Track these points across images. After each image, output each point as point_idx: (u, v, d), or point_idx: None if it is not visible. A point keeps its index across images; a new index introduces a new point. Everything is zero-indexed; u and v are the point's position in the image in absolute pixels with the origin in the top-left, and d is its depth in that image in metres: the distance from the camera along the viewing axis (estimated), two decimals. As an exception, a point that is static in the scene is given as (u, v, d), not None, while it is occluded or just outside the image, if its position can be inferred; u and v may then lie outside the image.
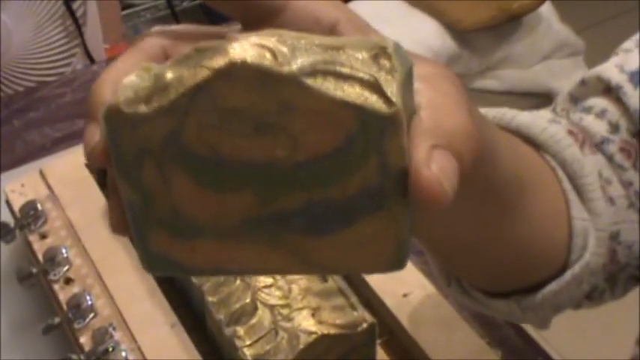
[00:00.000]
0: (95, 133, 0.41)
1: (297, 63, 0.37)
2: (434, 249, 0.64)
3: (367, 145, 0.38)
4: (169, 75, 0.38)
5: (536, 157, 0.66)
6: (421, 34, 2.36)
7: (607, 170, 0.68)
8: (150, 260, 0.42)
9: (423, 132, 0.39)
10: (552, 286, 0.65)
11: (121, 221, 0.42)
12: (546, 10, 2.51)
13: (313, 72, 0.37)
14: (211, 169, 0.39)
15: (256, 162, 0.39)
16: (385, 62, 0.39)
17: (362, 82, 0.38)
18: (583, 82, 0.73)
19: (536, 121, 0.67)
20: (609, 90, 0.70)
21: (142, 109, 0.38)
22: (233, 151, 0.38)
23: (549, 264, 0.66)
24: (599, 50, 2.83)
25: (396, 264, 0.41)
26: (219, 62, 0.37)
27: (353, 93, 0.37)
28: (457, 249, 0.63)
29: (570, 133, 0.68)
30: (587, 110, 0.70)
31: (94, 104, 0.42)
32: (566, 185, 0.65)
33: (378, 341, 0.90)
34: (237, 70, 0.37)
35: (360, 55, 0.39)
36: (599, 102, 0.70)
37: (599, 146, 0.68)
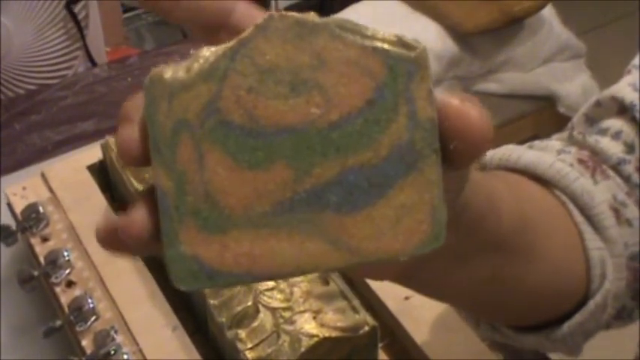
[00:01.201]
0: (131, 130, 0.41)
1: (329, 20, 0.40)
2: (452, 303, 0.66)
3: (396, 93, 0.40)
4: (207, 51, 0.40)
5: (546, 194, 0.67)
6: (423, 37, 2.36)
7: (621, 193, 0.69)
8: (180, 268, 0.41)
9: None
10: (577, 318, 0.66)
11: (152, 224, 0.41)
12: (548, 13, 2.51)
13: (343, 29, 0.40)
14: (247, 139, 0.40)
15: (292, 126, 0.40)
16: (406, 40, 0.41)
17: (385, 39, 0.41)
18: (598, 103, 0.73)
19: (543, 157, 0.67)
20: (624, 109, 0.71)
21: (182, 75, 0.40)
22: (269, 115, 0.40)
23: (570, 297, 0.67)
24: (600, 53, 2.84)
25: (433, 238, 0.42)
26: (257, 21, 0.40)
27: (379, 43, 0.40)
28: (475, 301, 0.64)
29: (580, 161, 0.69)
30: (603, 132, 0.71)
31: (130, 107, 0.42)
32: (578, 218, 0.66)
33: (380, 344, 0.90)
34: (275, 21, 0.40)
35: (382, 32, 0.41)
36: (614, 123, 0.71)
37: (615, 167, 0.69)
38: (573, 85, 2.53)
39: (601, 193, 0.67)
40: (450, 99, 0.41)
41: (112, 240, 0.43)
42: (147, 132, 0.40)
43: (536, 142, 0.72)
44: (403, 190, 0.41)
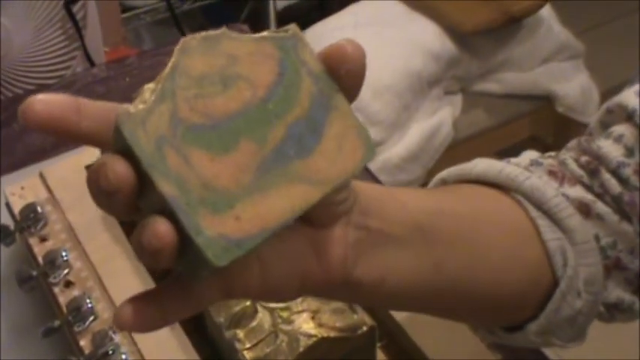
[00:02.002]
0: (120, 163, 0.46)
1: (222, 30, 0.51)
2: (407, 304, 0.71)
3: (292, 62, 0.52)
4: (149, 85, 0.48)
5: (499, 197, 0.72)
6: (421, 37, 2.36)
7: (589, 195, 0.73)
8: (214, 249, 0.47)
9: None
10: (549, 307, 0.70)
11: (169, 228, 0.46)
12: (546, 13, 2.51)
13: (234, 34, 0.51)
14: (212, 133, 0.49)
15: (237, 111, 0.50)
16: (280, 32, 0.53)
17: (263, 33, 0.52)
18: (609, 110, 0.77)
19: (493, 165, 0.74)
20: (629, 116, 0.74)
21: (142, 106, 0.47)
22: (218, 109, 0.49)
23: (535, 288, 0.71)
24: (599, 53, 2.84)
25: (368, 149, 0.54)
26: (176, 47, 0.49)
27: (264, 35, 0.52)
28: (444, 313, 0.74)
29: (550, 172, 0.74)
30: (607, 136, 0.75)
31: (99, 160, 0.47)
32: (533, 213, 0.71)
33: (378, 344, 0.90)
34: (188, 43, 0.49)
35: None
36: (619, 128, 0.74)
37: (615, 171, 0.72)
38: (572, 85, 2.53)
39: (552, 189, 0.72)
40: (327, 46, 0.53)
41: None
42: (130, 161, 0.46)
43: (513, 159, 0.77)
44: (332, 125, 0.53)
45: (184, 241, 0.47)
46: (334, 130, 0.53)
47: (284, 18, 2.41)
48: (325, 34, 2.39)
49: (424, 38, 2.37)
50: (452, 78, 2.44)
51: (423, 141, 2.33)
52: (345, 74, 0.53)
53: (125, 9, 2.47)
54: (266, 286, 0.56)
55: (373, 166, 2.21)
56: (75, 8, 1.61)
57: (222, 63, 0.50)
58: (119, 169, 0.46)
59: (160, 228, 0.46)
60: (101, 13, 1.73)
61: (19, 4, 1.55)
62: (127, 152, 0.46)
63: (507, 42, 2.47)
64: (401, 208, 0.63)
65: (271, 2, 2.31)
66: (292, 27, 0.53)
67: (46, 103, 0.48)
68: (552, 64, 2.55)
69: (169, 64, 0.49)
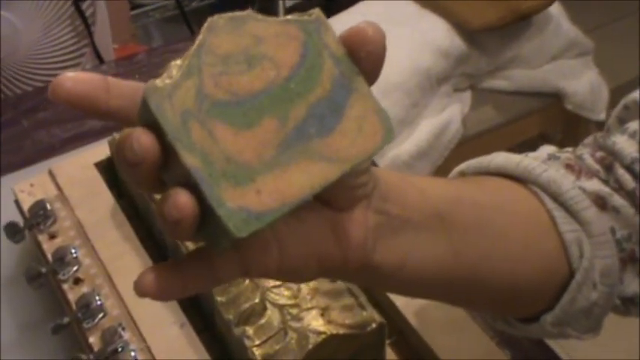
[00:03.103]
0: (145, 135, 0.47)
1: (247, 12, 0.53)
2: (425, 291, 0.70)
3: (315, 45, 0.53)
4: (176, 61, 0.50)
5: (517, 189, 0.73)
6: (431, 35, 2.36)
7: (606, 188, 0.73)
8: (234, 220, 0.49)
9: None
10: (564, 298, 0.71)
11: (189, 199, 0.48)
12: (555, 10, 2.50)
13: (260, 15, 0.52)
14: (237, 109, 0.50)
15: (261, 89, 0.51)
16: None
17: (288, 17, 0.54)
18: (626, 106, 0.78)
19: (511, 158, 0.74)
20: None
21: (169, 80, 0.49)
22: (242, 87, 0.51)
23: (552, 279, 0.71)
24: (608, 50, 2.83)
25: (387, 131, 0.55)
26: (204, 26, 0.51)
27: (288, 18, 0.53)
28: (460, 301, 0.76)
29: (567, 166, 0.74)
30: (623, 132, 0.75)
31: (124, 131, 0.48)
32: (550, 205, 0.71)
33: (388, 341, 0.90)
34: (215, 22, 0.51)
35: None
36: (634, 124, 0.75)
37: (629, 167, 0.73)
38: (581, 82, 2.53)
39: (569, 181, 0.72)
40: (348, 29, 0.54)
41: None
42: (155, 133, 0.48)
43: (531, 153, 0.78)
44: (352, 107, 0.54)
45: (206, 212, 0.49)
46: (354, 111, 0.54)
47: (293, 15, 2.40)
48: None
49: (433, 35, 2.36)
50: (461, 75, 2.44)
51: (432, 138, 2.33)
52: (365, 56, 0.54)
53: (134, 6, 2.47)
54: (284, 265, 0.56)
55: (382, 162, 2.21)
56: (84, 5, 1.61)
57: (247, 43, 0.52)
58: (144, 140, 0.47)
59: (181, 199, 0.47)
60: (110, 10, 1.73)
61: (28, 2, 1.55)
62: (153, 125, 0.48)
63: (516, 39, 2.46)
64: (420, 195, 0.64)
65: (280, 0, 2.31)
66: (316, 11, 0.54)
67: (76, 80, 0.49)
68: (561, 62, 2.54)
69: (196, 42, 0.50)
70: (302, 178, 0.52)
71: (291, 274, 0.58)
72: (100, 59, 1.68)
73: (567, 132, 2.66)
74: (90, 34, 1.64)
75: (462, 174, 0.78)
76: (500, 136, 2.49)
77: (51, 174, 1.11)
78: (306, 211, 0.53)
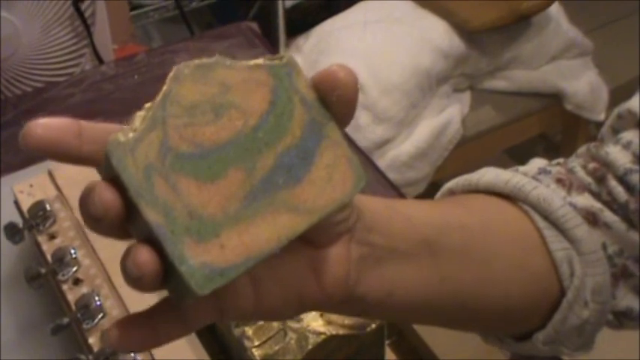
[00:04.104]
0: (107, 190, 0.47)
1: (215, 58, 0.51)
2: (416, 316, 0.71)
3: (286, 90, 0.52)
4: (140, 112, 0.49)
5: (506, 207, 0.73)
6: (430, 35, 2.36)
7: (597, 203, 0.73)
8: (197, 278, 0.47)
9: None
10: (556, 317, 0.71)
11: (150, 256, 0.47)
12: (555, 10, 2.50)
13: (228, 61, 0.51)
14: (201, 161, 0.49)
15: (227, 139, 0.50)
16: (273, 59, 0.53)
17: (258, 61, 0.53)
18: (619, 115, 0.77)
19: (500, 176, 0.74)
20: (638, 122, 0.74)
21: (132, 134, 0.47)
22: (208, 138, 0.50)
23: (544, 298, 0.71)
24: (608, 51, 2.83)
25: (358, 179, 0.54)
26: (169, 75, 0.49)
27: (258, 62, 0.52)
28: (451, 324, 0.74)
29: (558, 180, 0.74)
30: (616, 142, 0.75)
31: (89, 185, 0.48)
32: (540, 223, 0.71)
33: (387, 342, 0.90)
34: (181, 71, 0.49)
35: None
36: (628, 134, 0.74)
37: (622, 178, 0.72)
38: (580, 82, 2.53)
39: (559, 198, 0.72)
40: (319, 72, 0.53)
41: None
42: (118, 188, 0.47)
43: (521, 167, 0.77)
44: (323, 154, 0.53)
45: (169, 267, 0.48)
46: (325, 159, 0.53)
47: (292, 16, 2.40)
48: (333, 32, 2.39)
49: (433, 36, 2.36)
50: (460, 75, 2.44)
51: (431, 138, 2.33)
52: (336, 100, 0.53)
53: (134, 6, 2.47)
54: (261, 307, 0.55)
55: (382, 163, 2.21)
56: (83, 6, 1.61)
57: (214, 91, 0.50)
58: (107, 196, 0.46)
59: (142, 257, 0.46)
60: (110, 10, 1.73)
61: (27, 2, 1.55)
62: (116, 179, 0.47)
63: (516, 39, 2.46)
64: (406, 223, 0.63)
65: (280, 0, 2.31)
66: (287, 55, 0.53)
67: (46, 127, 0.48)
68: (561, 62, 2.54)
69: (161, 92, 0.49)
70: (268, 231, 0.51)
71: (270, 315, 0.58)
72: (100, 60, 1.68)
73: (567, 132, 2.66)
74: (89, 35, 1.64)
75: (451, 192, 0.77)
76: (500, 137, 2.50)
77: (50, 175, 1.11)
78: (284, 250, 0.51)
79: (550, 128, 2.70)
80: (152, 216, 0.47)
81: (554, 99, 2.53)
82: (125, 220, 0.48)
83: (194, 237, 0.48)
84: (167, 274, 0.48)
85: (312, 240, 0.56)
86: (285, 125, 0.52)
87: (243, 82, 0.51)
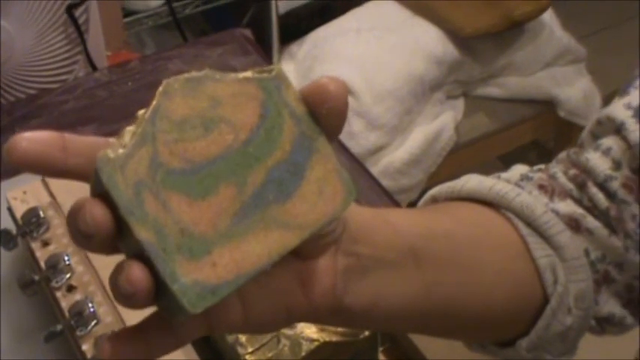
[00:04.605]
0: (98, 207, 0.46)
1: (205, 72, 0.51)
2: (400, 325, 0.71)
3: (275, 104, 0.52)
4: (129, 127, 0.48)
5: (490, 215, 0.73)
6: (424, 41, 2.36)
7: (580, 209, 0.74)
8: (189, 296, 0.47)
9: None
10: (539, 324, 0.71)
11: (143, 274, 0.46)
12: (548, 17, 2.51)
13: (218, 75, 0.51)
14: (192, 177, 0.49)
15: (218, 154, 0.50)
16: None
17: (248, 73, 0.52)
18: (599, 122, 0.77)
19: (483, 183, 0.74)
20: (618, 129, 0.74)
21: (122, 150, 0.47)
22: (198, 153, 0.49)
23: (528, 305, 0.72)
24: (601, 57, 2.84)
25: (348, 193, 0.54)
26: (158, 90, 0.49)
27: (248, 75, 0.52)
28: (436, 332, 0.74)
29: (540, 187, 0.74)
30: (596, 148, 0.75)
31: (77, 201, 0.48)
32: (524, 230, 0.71)
33: (380, 348, 0.90)
34: (171, 85, 0.49)
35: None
36: (608, 141, 0.74)
37: (602, 185, 0.73)
38: (574, 89, 2.53)
39: (542, 205, 0.72)
40: (309, 84, 0.53)
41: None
42: (108, 204, 0.46)
43: (503, 174, 0.77)
44: (313, 168, 0.53)
45: (161, 284, 0.47)
46: (315, 173, 0.53)
47: (286, 23, 2.41)
48: (327, 39, 2.39)
49: (426, 42, 2.37)
50: (454, 82, 2.44)
51: (425, 145, 2.33)
52: (326, 113, 0.53)
53: (127, 13, 2.47)
54: (250, 321, 0.56)
55: (375, 170, 2.21)
56: (77, 12, 1.61)
57: (204, 105, 0.50)
58: (97, 213, 0.46)
59: (134, 274, 0.46)
60: (103, 17, 1.73)
61: (21, 9, 1.55)
62: (106, 196, 0.47)
63: (509, 46, 2.47)
64: (392, 232, 0.63)
65: (273, 7, 2.31)
66: (276, 67, 0.53)
67: (31, 141, 0.47)
68: (554, 69, 2.55)
69: (150, 107, 0.49)
70: (259, 248, 0.51)
71: (259, 327, 0.58)
72: (93, 66, 1.67)
73: (560, 139, 2.66)
74: (83, 42, 1.64)
75: (434, 199, 0.78)
76: (493, 144, 2.50)
77: (44, 181, 1.11)
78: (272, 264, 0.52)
79: (543, 135, 2.70)
80: (143, 234, 0.46)
81: (547, 106, 2.53)
82: (116, 237, 0.47)
83: (186, 255, 0.48)
84: (158, 291, 0.48)
85: (298, 252, 0.56)
86: (275, 139, 0.52)
87: (232, 96, 0.51)
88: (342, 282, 0.58)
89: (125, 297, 0.47)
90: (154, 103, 0.49)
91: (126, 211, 0.46)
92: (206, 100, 0.50)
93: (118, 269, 0.47)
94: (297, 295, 0.57)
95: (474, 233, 0.71)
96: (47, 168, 0.48)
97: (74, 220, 0.47)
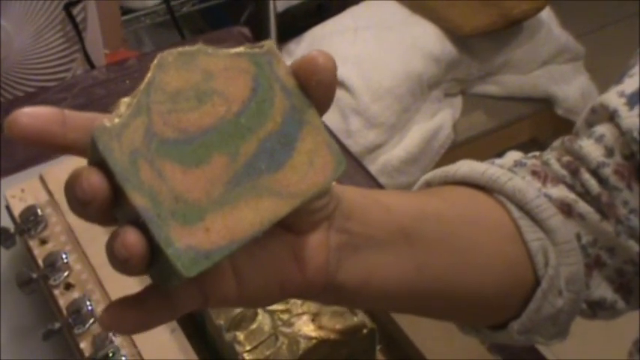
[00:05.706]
0: (95, 175, 0.48)
1: (198, 46, 0.53)
2: (393, 305, 0.73)
3: (267, 78, 0.54)
4: (125, 99, 0.50)
5: (483, 198, 0.74)
6: (422, 40, 2.36)
7: (571, 194, 0.74)
8: (183, 260, 0.49)
9: None
10: (530, 306, 0.72)
11: (138, 238, 0.48)
12: (546, 15, 2.51)
13: (211, 49, 0.53)
14: (186, 147, 0.50)
15: (211, 125, 0.51)
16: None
17: (240, 49, 0.54)
18: (593, 110, 0.78)
19: (476, 167, 0.75)
20: (611, 116, 0.75)
21: (118, 120, 0.49)
22: (192, 124, 0.51)
23: (520, 287, 0.72)
24: (599, 55, 2.84)
25: (338, 164, 0.56)
26: (153, 63, 0.51)
27: (240, 50, 0.54)
28: (428, 313, 0.75)
29: (533, 173, 0.75)
30: (590, 135, 0.76)
31: (75, 170, 0.49)
32: (516, 214, 0.72)
33: (378, 347, 0.90)
34: (165, 58, 0.51)
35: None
36: (601, 128, 0.75)
37: (594, 171, 0.73)
38: (572, 87, 2.53)
39: (534, 189, 0.73)
40: (298, 58, 0.55)
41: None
42: (105, 173, 0.48)
43: (497, 160, 0.78)
44: (304, 139, 0.55)
45: (155, 250, 0.48)
46: (306, 145, 0.55)
47: (284, 21, 2.41)
48: (325, 37, 2.39)
49: (424, 41, 2.37)
50: (452, 80, 2.44)
51: (423, 143, 2.33)
52: (316, 85, 0.55)
53: (125, 11, 2.47)
54: (244, 293, 0.56)
55: (373, 168, 2.21)
56: (75, 11, 1.61)
57: (197, 78, 0.52)
58: (94, 180, 0.47)
59: (130, 238, 0.47)
60: (101, 15, 1.73)
61: (19, 7, 1.55)
62: (102, 164, 0.48)
63: (507, 44, 2.47)
64: (384, 212, 0.64)
65: (271, 5, 2.31)
66: (268, 42, 0.55)
67: (31, 116, 0.48)
68: (552, 67, 2.55)
69: (145, 79, 0.50)
70: (251, 215, 0.52)
71: (252, 301, 0.59)
72: (91, 64, 1.67)
73: (558, 137, 2.65)
74: (81, 40, 1.64)
75: (428, 184, 0.78)
76: (491, 142, 2.50)
77: (42, 179, 1.11)
78: (266, 237, 0.53)
79: (541, 133, 2.70)
80: (138, 200, 0.48)
81: (545, 104, 2.53)
82: (112, 205, 0.48)
83: (179, 221, 0.49)
84: (152, 258, 0.49)
85: (292, 227, 0.57)
86: (266, 112, 0.53)
87: (225, 70, 0.53)
88: (334, 258, 0.59)
89: (120, 262, 0.48)
90: (149, 75, 0.50)
91: (122, 178, 0.47)
92: (199, 73, 0.52)
93: (114, 235, 0.48)
94: (290, 270, 0.58)
95: (466, 215, 0.72)
96: (47, 143, 0.49)
97: (72, 187, 0.47)
